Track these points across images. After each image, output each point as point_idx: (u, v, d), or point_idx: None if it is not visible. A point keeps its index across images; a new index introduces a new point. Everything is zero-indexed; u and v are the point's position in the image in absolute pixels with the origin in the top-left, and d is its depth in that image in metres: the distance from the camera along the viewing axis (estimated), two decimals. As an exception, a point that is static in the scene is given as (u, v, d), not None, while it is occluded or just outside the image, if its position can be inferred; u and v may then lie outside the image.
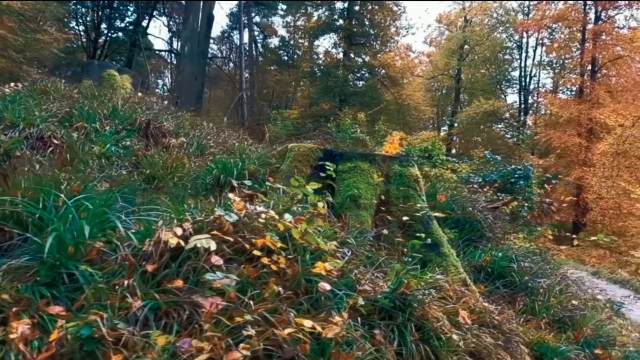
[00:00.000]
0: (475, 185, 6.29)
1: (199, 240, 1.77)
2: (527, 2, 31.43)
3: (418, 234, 2.83)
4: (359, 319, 2.10)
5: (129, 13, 27.05)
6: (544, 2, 28.57)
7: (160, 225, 1.89)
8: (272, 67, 33.84)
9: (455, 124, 33.58)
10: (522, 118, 31.58)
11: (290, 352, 1.72)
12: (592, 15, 25.86)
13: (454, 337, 2.32)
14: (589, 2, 25.47)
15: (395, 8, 30.33)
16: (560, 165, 23.67)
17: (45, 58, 24.72)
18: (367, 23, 29.95)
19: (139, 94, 6.78)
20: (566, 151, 23.91)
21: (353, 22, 29.00)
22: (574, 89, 27.83)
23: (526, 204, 6.76)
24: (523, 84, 32.74)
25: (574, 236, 4.53)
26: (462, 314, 2.59)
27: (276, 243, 2.10)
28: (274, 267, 2.00)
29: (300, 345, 1.75)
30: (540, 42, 31.74)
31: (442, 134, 36.68)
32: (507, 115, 32.99)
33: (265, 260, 2.01)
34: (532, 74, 32.77)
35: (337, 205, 3.27)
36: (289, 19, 33.07)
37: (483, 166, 9.41)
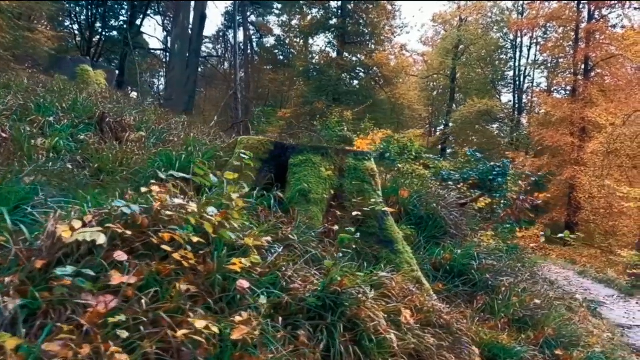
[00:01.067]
0: (450, 182, 6.17)
1: (84, 234, 1.63)
2: (521, 2, 31.38)
3: (348, 228, 2.70)
4: (280, 319, 1.97)
5: (124, 12, 26.91)
6: (538, 1, 28.50)
7: (51, 218, 1.75)
8: (267, 67, 33.64)
9: (450, 124, 33.49)
10: (516, 117, 31.50)
11: (187, 356, 1.58)
12: (585, 14, 25.80)
13: (390, 337, 2.18)
14: (582, 2, 25.39)
15: (389, 7, 30.26)
16: (553, 164, 23.59)
17: (40, 57, 24.71)
18: (361, 22, 29.92)
19: (138, 93, 6.63)
20: (559, 150, 23.83)
21: (347, 21, 28.95)
22: (568, 88, 27.75)
23: (502, 201, 6.64)
24: (517, 83, 32.70)
25: (541, 233, 4.41)
26: (404, 314, 2.46)
27: (192, 237, 1.96)
28: (185, 264, 1.86)
29: (201, 348, 1.61)
30: (535, 41, 31.69)
31: (437, 133, 36.62)
32: (502, 114, 32.90)
33: (176, 256, 1.87)
34: (527, 74, 32.75)
35: (287, 200, 3.14)
36: (284, 18, 32.89)
37: (468, 164, 9.29)
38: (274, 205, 2.99)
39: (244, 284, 1.92)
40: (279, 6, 32.08)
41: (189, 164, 3.14)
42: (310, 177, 3.14)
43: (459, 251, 3.58)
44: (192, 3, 24.21)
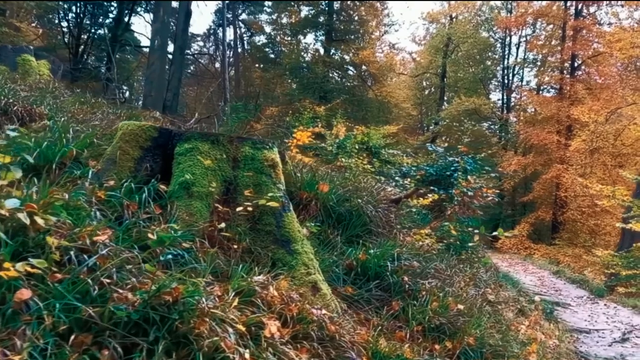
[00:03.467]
0: (397, 177, 5.82)
1: None
2: (509, 0, 31.20)
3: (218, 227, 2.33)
4: (70, 337, 1.59)
5: (112, 9, 26.52)
6: (525, 0, 28.27)
7: None
8: (260, 65, 33.27)
9: (440, 122, 33.20)
10: (504, 116, 31.24)
11: None
12: (573, 11, 25.59)
13: (234, 356, 1.82)
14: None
15: (378, 5, 30.03)
16: (538, 162, 23.36)
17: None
18: (348, 19, 29.76)
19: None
20: (545, 149, 23.60)
21: (333, 19, 28.72)
22: (557, 86, 27.54)
23: (456, 198, 6.27)
24: (506, 82, 32.50)
25: (476, 231, 4.12)
26: (269, 326, 2.09)
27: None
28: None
29: None
30: (524, 39, 31.46)
31: (428, 133, 36.31)
32: (491, 113, 32.65)
33: None
34: (515, 72, 32.54)
35: (168, 194, 2.77)
36: (275, 16, 32.60)
37: (442, 159, 8.91)
38: (146, 199, 2.62)
39: (23, 294, 1.55)
40: (270, 4, 31.80)
41: (53, 150, 2.76)
42: (195, 168, 2.77)
43: (373, 251, 3.22)
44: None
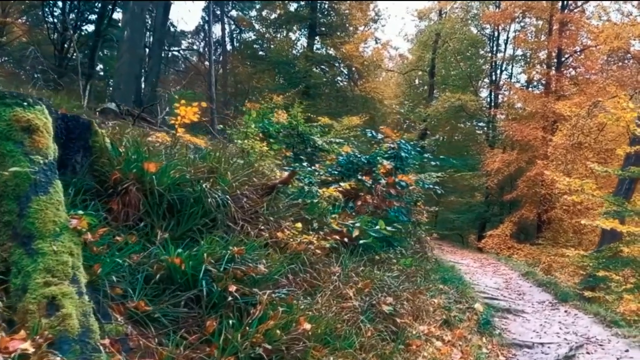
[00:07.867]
0: (307, 165, 4.97)
1: None
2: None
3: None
4: None
5: (97, 4, 25.93)
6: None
7: None
8: (249, 62, 32.54)
9: (426, 119, 32.48)
10: (491, 112, 30.51)
11: None
12: (560, 5, 24.91)
13: None
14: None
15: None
16: (523, 160, 22.56)
17: (14, 49, 24.25)
18: (331, 14, 29.17)
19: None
20: (529, 145, 22.81)
21: (317, 13, 28.11)
22: (543, 82, 26.84)
23: (368, 185, 5.37)
24: (494, 78, 31.79)
25: (357, 224, 3.38)
26: None
27: None
28: None
29: None
30: (514, 34, 30.79)
31: (417, 129, 35.49)
32: (479, 110, 31.92)
33: None
34: (503, 68, 31.87)
35: None
36: (264, 12, 31.95)
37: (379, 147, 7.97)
38: None
39: None
40: (259, -1, 31.23)
41: None
42: None
43: (183, 252, 2.35)
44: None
